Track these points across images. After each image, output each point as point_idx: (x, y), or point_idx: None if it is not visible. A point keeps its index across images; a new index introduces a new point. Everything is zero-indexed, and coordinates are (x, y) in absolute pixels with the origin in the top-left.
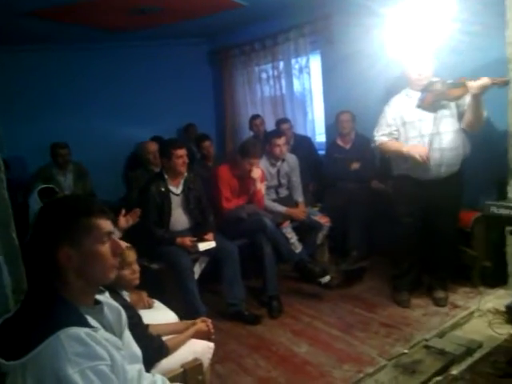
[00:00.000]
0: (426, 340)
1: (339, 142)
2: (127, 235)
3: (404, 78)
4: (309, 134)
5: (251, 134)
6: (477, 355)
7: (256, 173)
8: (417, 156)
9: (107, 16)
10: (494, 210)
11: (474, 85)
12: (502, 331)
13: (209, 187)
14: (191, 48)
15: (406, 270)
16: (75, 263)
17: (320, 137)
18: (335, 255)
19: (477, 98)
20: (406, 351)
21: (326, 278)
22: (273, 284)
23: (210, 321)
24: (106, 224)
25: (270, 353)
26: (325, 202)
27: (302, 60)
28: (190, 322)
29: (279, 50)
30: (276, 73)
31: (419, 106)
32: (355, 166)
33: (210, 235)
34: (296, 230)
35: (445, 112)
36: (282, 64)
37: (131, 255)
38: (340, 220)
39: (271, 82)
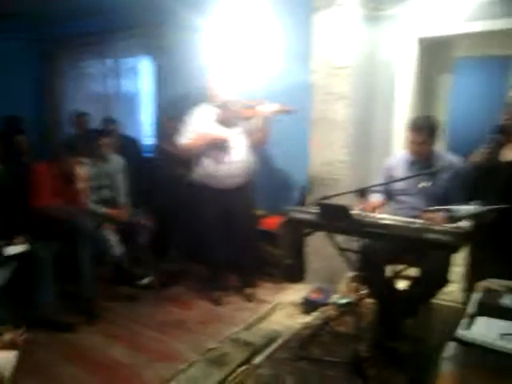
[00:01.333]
0: (235, 334)
1: (166, 145)
2: None
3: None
4: (137, 136)
5: (74, 131)
6: (277, 343)
7: (80, 171)
8: (226, 138)
9: None
10: (295, 214)
11: (265, 109)
12: (299, 321)
13: (23, 184)
14: (17, 36)
15: (217, 270)
16: None
17: (149, 139)
18: (157, 256)
19: (264, 120)
20: (216, 345)
21: (146, 280)
22: (90, 288)
23: (20, 332)
24: None
25: (85, 360)
26: (149, 204)
27: (133, 61)
28: None
29: (109, 48)
30: (105, 71)
31: (216, 121)
32: (181, 170)
33: (19, 238)
34: (118, 231)
35: (238, 129)
36: (111, 62)
37: None
38: (163, 222)
39: (99, 79)
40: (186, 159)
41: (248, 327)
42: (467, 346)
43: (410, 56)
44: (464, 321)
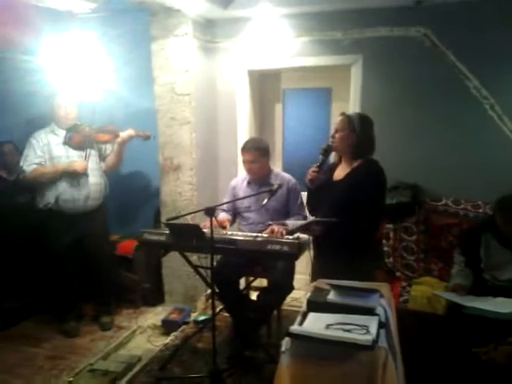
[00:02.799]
0: (91, 364)
1: (2, 173)
2: None
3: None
4: None
5: None
6: (136, 368)
7: None
8: (78, 169)
9: None
10: (147, 236)
11: (123, 134)
12: (158, 343)
13: None
14: None
15: (70, 300)
16: None
17: None
18: None
19: (121, 145)
20: (70, 379)
21: None
22: None
23: None
24: None
25: None
26: None
27: None
28: None
29: None
30: None
31: (66, 144)
32: (23, 197)
33: None
34: None
35: (91, 151)
36: None
37: None
38: (3, 254)
39: None
40: (29, 185)
41: (105, 356)
42: (298, 338)
43: (244, 86)
44: (298, 318)
